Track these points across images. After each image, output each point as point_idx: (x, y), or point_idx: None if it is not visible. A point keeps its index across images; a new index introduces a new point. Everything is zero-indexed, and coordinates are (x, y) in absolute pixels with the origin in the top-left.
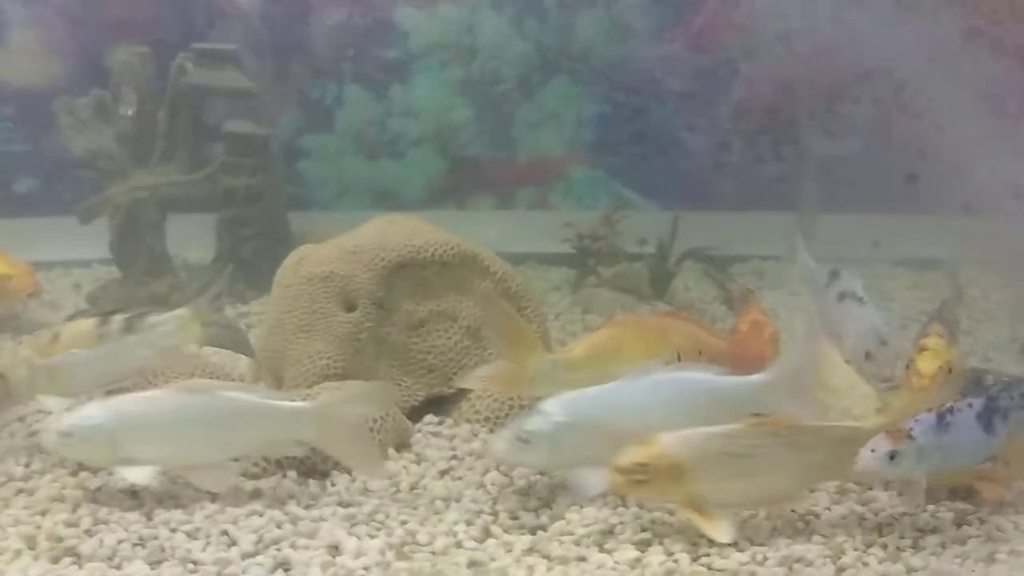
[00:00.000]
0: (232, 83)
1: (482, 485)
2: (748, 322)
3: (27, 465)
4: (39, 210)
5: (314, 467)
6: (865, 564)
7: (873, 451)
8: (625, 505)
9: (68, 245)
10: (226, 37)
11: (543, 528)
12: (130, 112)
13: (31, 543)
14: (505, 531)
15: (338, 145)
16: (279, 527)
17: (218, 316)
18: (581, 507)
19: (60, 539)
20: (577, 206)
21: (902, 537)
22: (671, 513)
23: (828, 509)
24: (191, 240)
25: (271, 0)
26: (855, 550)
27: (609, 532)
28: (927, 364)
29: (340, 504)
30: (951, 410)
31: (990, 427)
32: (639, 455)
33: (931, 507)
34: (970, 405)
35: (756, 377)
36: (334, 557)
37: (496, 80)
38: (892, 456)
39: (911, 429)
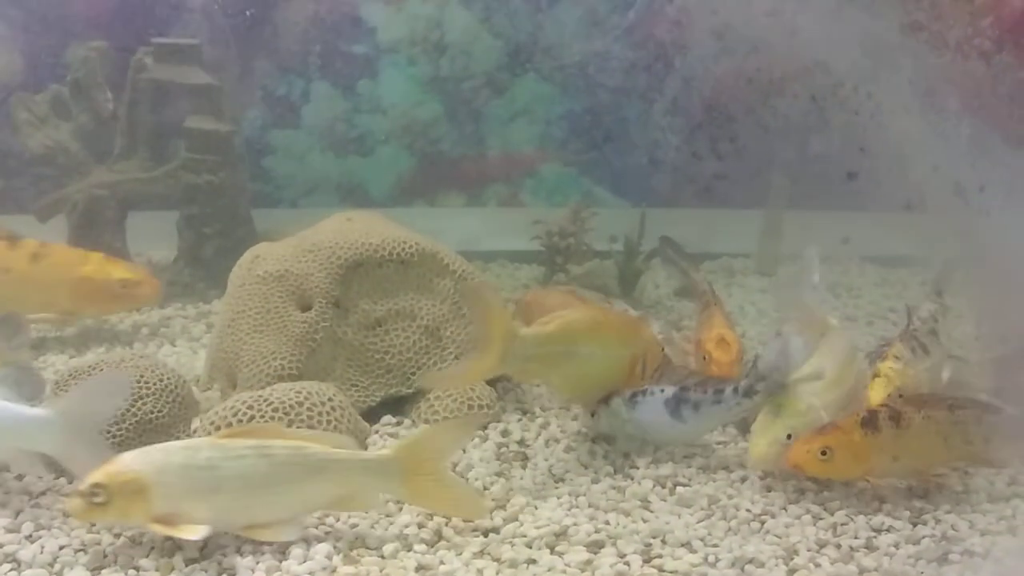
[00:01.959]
0: (193, 79)
1: None
2: (714, 339)
3: None
4: None
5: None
6: (817, 565)
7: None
8: (578, 506)
9: None
10: (188, 32)
11: (496, 530)
12: (110, 105)
13: None
14: (457, 533)
15: (305, 141)
16: (225, 532)
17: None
18: (536, 508)
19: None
20: (547, 203)
21: (856, 537)
22: (626, 514)
23: (784, 509)
24: (153, 238)
25: None
26: (808, 550)
27: (562, 534)
28: (876, 394)
29: None
30: (643, 391)
31: (677, 414)
32: (95, 476)
33: (887, 505)
34: (662, 390)
35: (37, 412)
36: (280, 562)
37: (465, 76)
38: (592, 414)
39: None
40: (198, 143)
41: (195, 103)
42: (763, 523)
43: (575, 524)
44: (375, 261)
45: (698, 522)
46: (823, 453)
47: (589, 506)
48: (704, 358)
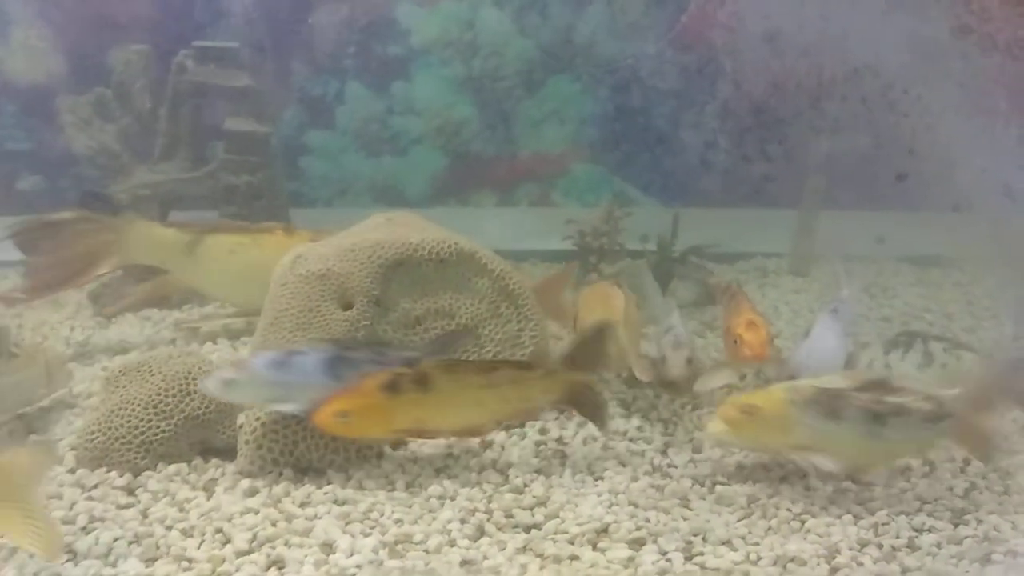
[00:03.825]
0: (233, 81)
1: (477, 483)
2: (744, 323)
3: None
4: (42, 207)
5: (310, 465)
6: (860, 564)
7: (216, 376)
8: (618, 503)
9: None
10: (227, 34)
11: (537, 527)
12: (148, 105)
13: None
14: (499, 529)
15: (340, 142)
16: (273, 525)
17: None
18: (576, 505)
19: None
20: (579, 203)
21: (897, 537)
22: (666, 511)
23: (824, 508)
24: None
25: None
26: (850, 549)
27: (603, 531)
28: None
29: (335, 502)
30: (296, 351)
31: (336, 374)
32: None
33: (928, 506)
34: (316, 351)
35: None
36: (327, 555)
37: (498, 77)
38: (228, 383)
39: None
40: (237, 144)
41: (234, 105)
42: (803, 522)
43: (616, 521)
44: (415, 260)
45: (738, 520)
46: (342, 415)
47: (629, 504)
48: (734, 342)
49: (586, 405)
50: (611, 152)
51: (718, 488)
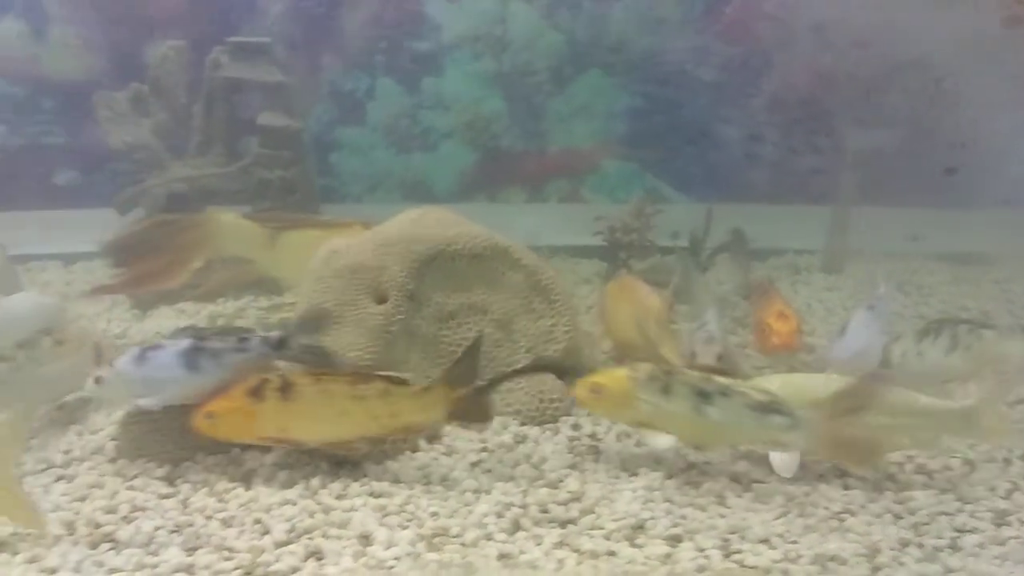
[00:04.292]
0: (267, 76)
1: (512, 478)
2: (774, 314)
3: (66, 452)
4: (78, 201)
5: (345, 457)
6: (901, 563)
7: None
8: (654, 500)
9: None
10: (260, 30)
11: (573, 522)
12: (183, 100)
13: (70, 528)
14: (535, 524)
15: (370, 138)
16: (311, 516)
17: None
18: (612, 501)
19: (98, 525)
20: (609, 199)
21: (939, 537)
22: (703, 509)
23: (863, 507)
24: None
25: None
26: (891, 549)
27: (639, 527)
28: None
29: (371, 495)
30: (153, 346)
31: (195, 365)
32: None
33: (969, 506)
34: (172, 344)
35: None
36: (365, 547)
37: (528, 72)
38: (96, 380)
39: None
40: (270, 139)
41: (268, 100)
42: (842, 521)
43: (652, 518)
44: (449, 255)
45: (775, 519)
46: (209, 416)
47: (665, 500)
48: (764, 331)
49: (474, 416)
50: (642, 148)
51: (754, 486)
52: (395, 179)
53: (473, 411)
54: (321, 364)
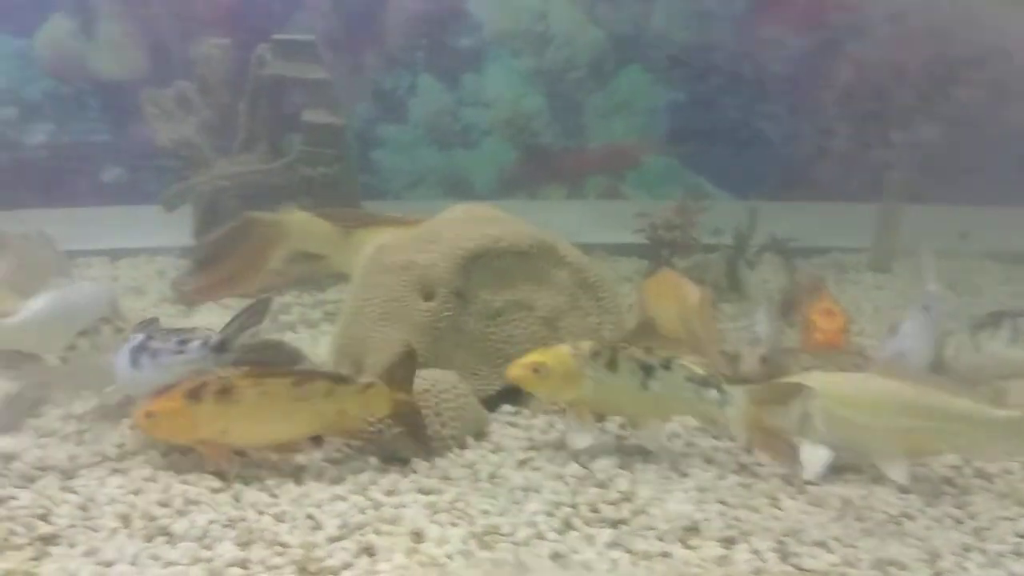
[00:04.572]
0: (310, 74)
1: (561, 477)
2: (820, 310)
3: (120, 446)
4: (124, 198)
5: (394, 453)
6: (964, 569)
7: None
8: (706, 501)
9: (151, 232)
10: (304, 28)
11: (624, 522)
12: (228, 97)
13: (126, 521)
14: (586, 524)
15: (411, 135)
16: (362, 512)
17: None
18: (663, 501)
19: (153, 518)
20: (649, 195)
21: (1002, 543)
22: (756, 510)
23: (922, 511)
24: None
25: None
26: (952, 554)
27: (693, 528)
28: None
29: (420, 491)
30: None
31: (136, 363)
32: None
33: None
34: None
35: None
36: (417, 544)
37: (569, 68)
38: None
39: None
40: (314, 136)
41: (311, 97)
42: (900, 525)
43: (706, 519)
44: (495, 252)
45: (831, 522)
46: (149, 416)
47: (718, 501)
48: (809, 328)
49: (409, 425)
50: (683, 144)
51: (809, 488)
52: (436, 176)
53: (413, 422)
54: (269, 361)
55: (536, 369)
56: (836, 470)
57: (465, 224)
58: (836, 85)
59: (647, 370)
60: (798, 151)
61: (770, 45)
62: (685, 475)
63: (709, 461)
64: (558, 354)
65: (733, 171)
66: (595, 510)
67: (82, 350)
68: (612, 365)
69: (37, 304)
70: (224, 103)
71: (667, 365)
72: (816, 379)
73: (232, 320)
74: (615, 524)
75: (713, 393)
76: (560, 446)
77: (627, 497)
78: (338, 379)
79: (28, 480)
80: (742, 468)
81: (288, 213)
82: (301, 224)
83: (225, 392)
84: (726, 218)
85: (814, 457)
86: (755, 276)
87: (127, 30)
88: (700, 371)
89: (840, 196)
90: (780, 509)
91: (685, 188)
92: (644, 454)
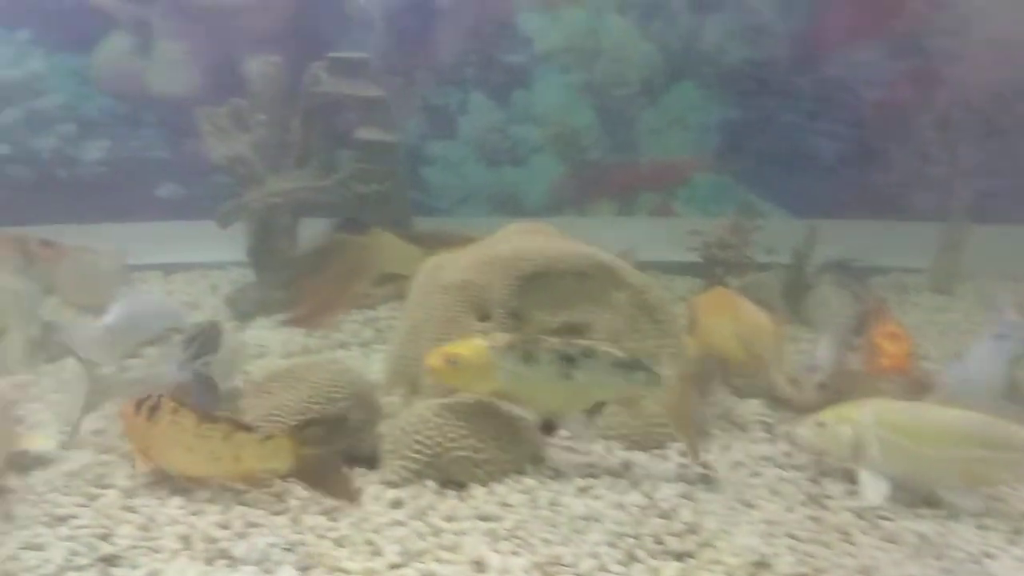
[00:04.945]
0: (364, 91)
1: (622, 505)
2: (885, 334)
3: None
4: (178, 214)
5: (452, 477)
6: None
7: None
8: (775, 535)
9: (205, 248)
10: (356, 45)
11: (690, 555)
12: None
13: (186, 543)
14: (651, 556)
15: (461, 151)
16: (422, 539)
17: None
18: (730, 534)
19: (214, 540)
20: (701, 213)
21: None
22: (827, 546)
23: (1004, 549)
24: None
25: (399, 8)
26: None
27: (763, 563)
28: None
29: (480, 517)
30: None
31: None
32: None
33: None
34: None
35: None
36: (479, 573)
37: (619, 84)
38: None
39: None
40: (367, 153)
41: (365, 115)
42: (980, 564)
43: (775, 554)
44: (553, 273)
45: (907, 559)
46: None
47: (787, 535)
48: (874, 352)
49: (320, 482)
50: (736, 160)
51: (883, 523)
52: (484, 192)
53: (327, 479)
54: (206, 392)
55: (451, 360)
56: (909, 504)
57: (522, 243)
58: (897, 100)
59: (569, 360)
60: (855, 168)
61: (828, 60)
62: (751, 506)
63: (775, 492)
64: (474, 346)
65: (788, 188)
66: (659, 541)
67: (150, 360)
68: (529, 357)
69: (112, 314)
70: (278, 120)
71: (590, 353)
72: (874, 406)
73: (189, 343)
74: (680, 557)
75: (642, 374)
76: (620, 473)
77: (692, 529)
78: (239, 426)
79: (90, 498)
80: (810, 500)
81: (375, 236)
82: (388, 246)
83: (153, 411)
84: (780, 236)
85: (872, 486)
86: (816, 297)
87: (183, 48)
88: (624, 355)
89: (898, 214)
90: (853, 544)
91: (737, 205)
92: (707, 483)
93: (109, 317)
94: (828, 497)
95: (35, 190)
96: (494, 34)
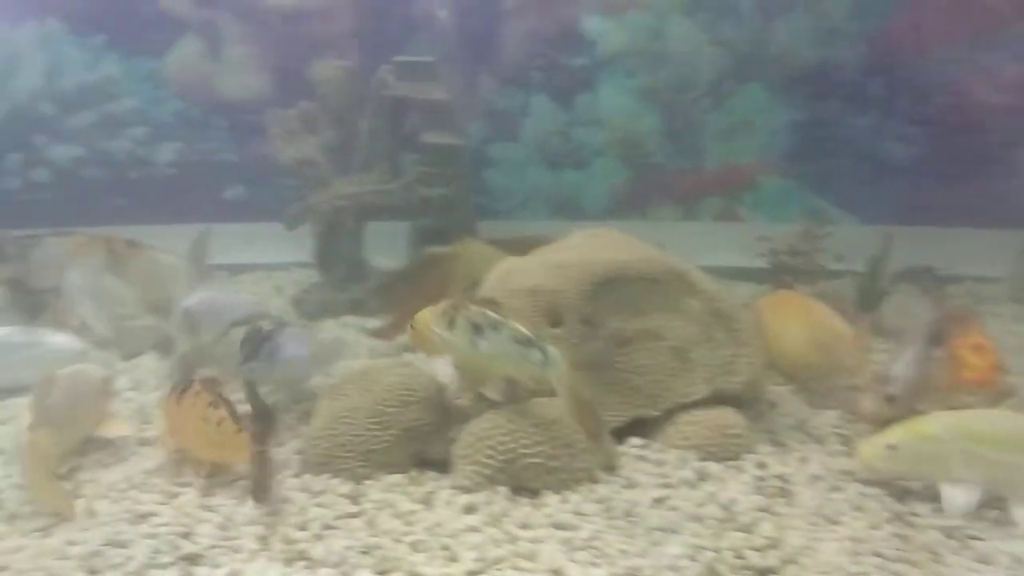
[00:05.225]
0: (430, 94)
1: (699, 518)
2: (970, 345)
3: None
4: (244, 215)
5: (525, 484)
6: None
7: None
8: (861, 552)
9: (268, 249)
10: (418, 48)
11: (773, 571)
12: (349, 117)
13: (265, 543)
14: (732, 570)
15: (523, 154)
16: (498, 546)
17: None
18: (815, 551)
19: (292, 542)
20: (766, 218)
21: None
22: (916, 565)
23: None
24: (384, 247)
25: (463, 11)
26: None
27: None
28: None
29: (555, 526)
30: None
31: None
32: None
33: None
34: None
35: None
36: None
37: (685, 87)
38: None
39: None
40: (433, 157)
41: (431, 118)
42: None
43: (864, 573)
44: (625, 279)
45: None
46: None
47: (874, 554)
48: (958, 365)
49: (254, 477)
50: (804, 164)
51: (973, 543)
52: (545, 196)
53: (258, 474)
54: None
55: (412, 325)
56: (998, 523)
57: (594, 248)
58: (972, 104)
59: (477, 329)
60: (928, 173)
61: (901, 63)
62: (835, 522)
63: (858, 508)
64: (426, 314)
65: (857, 193)
66: (740, 556)
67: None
68: (451, 324)
69: (193, 299)
70: (346, 123)
71: (496, 325)
72: (947, 419)
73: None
74: (763, 573)
75: (536, 354)
76: (695, 484)
77: (774, 544)
78: (234, 416)
79: (168, 496)
80: (896, 517)
81: (464, 245)
82: (477, 255)
83: (183, 392)
84: (849, 242)
85: (955, 497)
86: (893, 306)
87: (252, 52)
88: (525, 332)
89: (972, 221)
90: (944, 565)
91: (805, 210)
92: (786, 497)
93: (190, 301)
94: (914, 515)
95: (108, 191)
96: (558, 37)
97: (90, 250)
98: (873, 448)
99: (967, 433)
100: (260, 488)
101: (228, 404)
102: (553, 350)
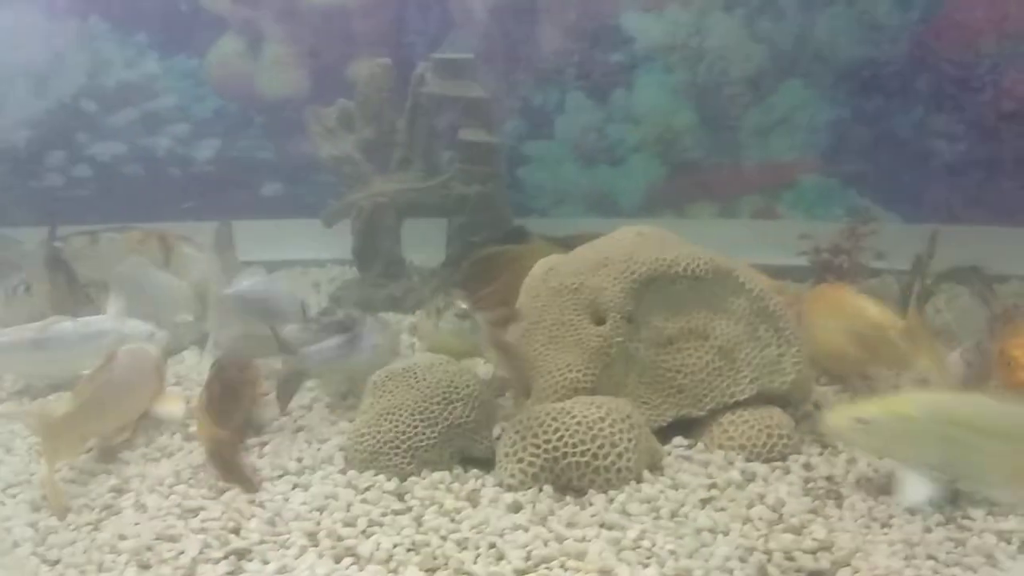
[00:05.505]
0: (468, 92)
1: (748, 519)
2: (1020, 343)
3: (299, 460)
4: (281, 212)
5: (569, 483)
6: None
7: None
8: (915, 556)
9: (305, 245)
10: (461, 46)
11: (824, 574)
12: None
13: (313, 539)
14: (783, 572)
15: (558, 151)
16: (545, 545)
17: None
18: (868, 555)
19: (340, 538)
20: (806, 216)
21: None
22: (972, 570)
23: None
24: (420, 244)
25: (501, 8)
26: None
27: None
28: None
29: (602, 525)
30: None
31: None
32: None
33: None
34: None
35: None
36: None
37: (724, 83)
38: None
39: None
40: (470, 154)
41: (469, 116)
42: None
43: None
44: (669, 277)
45: None
46: None
47: (928, 557)
48: (1008, 364)
49: (219, 465)
50: (845, 162)
51: None
52: (580, 193)
53: (231, 465)
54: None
55: None
56: None
57: (637, 246)
58: (1019, 100)
59: (437, 310)
60: (972, 171)
61: (946, 58)
62: (886, 525)
63: (912, 511)
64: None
65: (898, 191)
66: (791, 558)
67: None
68: (430, 313)
69: (237, 286)
70: (383, 121)
71: (447, 306)
72: (933, 399)
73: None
74: (812, 575)
75: (468, 323)
76: (742, 485)
77: (825, 546)
78: (212, 401)
79: (217, 491)
80: (949, 520)
81: (532, 244)
82: (543, 253)
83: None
84: (891, 241)
85: (917, 486)
86: (941, 305)
87: (291, 50)
88: (465, 306)
89: (1020, 220)
90: (1000, 570)
91: (845, 208)
92: (836, 499)
93: (234, 288)
94: (968, 518)
95: (149, 188)
96: (596, 33)
97: (146, 246)
98: (841, 419)
99: (945, 416)
100: (227, 469)
101: (212, 386)
102: (480, 317)
